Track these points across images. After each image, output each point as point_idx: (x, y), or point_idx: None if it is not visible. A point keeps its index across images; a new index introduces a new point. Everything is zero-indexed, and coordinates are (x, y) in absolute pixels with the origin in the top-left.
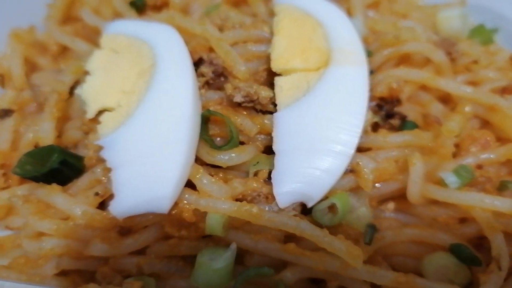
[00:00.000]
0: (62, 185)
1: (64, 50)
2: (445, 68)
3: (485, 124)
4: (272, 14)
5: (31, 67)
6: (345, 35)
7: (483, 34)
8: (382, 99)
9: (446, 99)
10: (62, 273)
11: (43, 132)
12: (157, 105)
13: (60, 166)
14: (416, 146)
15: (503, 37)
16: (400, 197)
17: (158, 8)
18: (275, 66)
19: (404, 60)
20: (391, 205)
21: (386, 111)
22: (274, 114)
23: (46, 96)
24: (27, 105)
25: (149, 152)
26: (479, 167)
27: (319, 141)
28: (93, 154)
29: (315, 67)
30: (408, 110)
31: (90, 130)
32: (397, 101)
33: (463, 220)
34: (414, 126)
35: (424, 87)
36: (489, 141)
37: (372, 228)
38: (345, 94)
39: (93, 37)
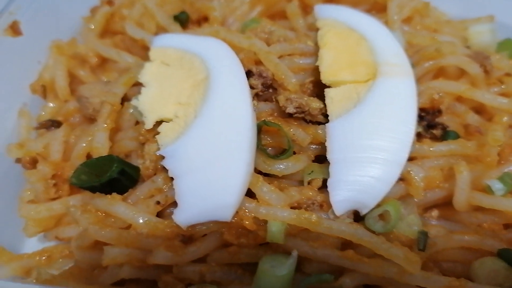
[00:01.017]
0: (120, 193)
1: (102, 63)
2: (480, 80)
3: None
4: (311, 28)
5: (71, 79)
6: (390, 48)
7: (510, 48)
8: (423, 109)
9: (479, 110)
10: (118, 283)
11: (98, 142)
12: (215, 116)
13: (118, 175)
14: (461, 155)
15: None
16: (444, 204)
17: (198, 23)
18: (325, 78)
19: (440, 73)
20: (435, 213)
21: (428, 122)
22: (327, 124)
23: (94, 107)
24: (72, 116)
25: (211, 162)
26: None
27: (372, 150)
28: (150, 163)
29: (364, 79)
30: (448, 120)
31: (147, 140)
32: (438, 111)
33: (508, 226)
34: (456, 135)
35: (459, 98)
36: None
37: (425, 235)
38: (395, 104)
39: (133, 50)
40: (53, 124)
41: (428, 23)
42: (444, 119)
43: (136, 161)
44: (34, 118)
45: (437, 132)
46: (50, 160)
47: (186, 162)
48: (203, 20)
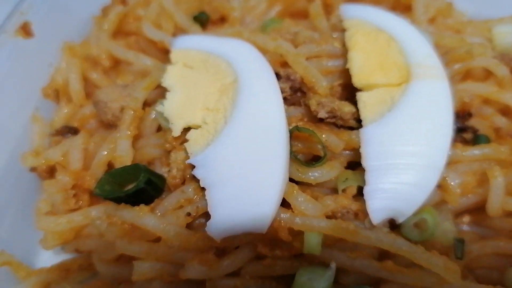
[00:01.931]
0: (146, 204)
1: (115, 65)
2: (507, 82)
3: None
4: (334, 28)
5: (84, 82)
6: (421, 49)
7: None
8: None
9: (505, 112)
10: None
11: (121, 150)
12: (247, 122)
13: (145, 185)
14: (494, 159)
15: None
16: (475, 209)
17: (216, 23)
18: (356, 82)
19: (467, 75)
20: (466, 218)
21: (458, 125)
22: (361, 129)
23: (113, 113)
24: (88, 122)
25: (245, 171)
26: None
27: (409, 156)
28: (177, 172)
29: (397, 82)
30: (476, 123)
31: (173, 148)
32: (468, 114)
33: None
34: (487, 139)
35: (486, 101)
36: None
37: (462, 242)
38: (431, 108)
39: (148, 52)
40: (70, 130)
41: (451, 23)
42: (473, 122)
43: (160, 169)
44: (47, 123)
45: (467, 136)
46: (70, 169)
47: (218, 172)
48: (219, 20)
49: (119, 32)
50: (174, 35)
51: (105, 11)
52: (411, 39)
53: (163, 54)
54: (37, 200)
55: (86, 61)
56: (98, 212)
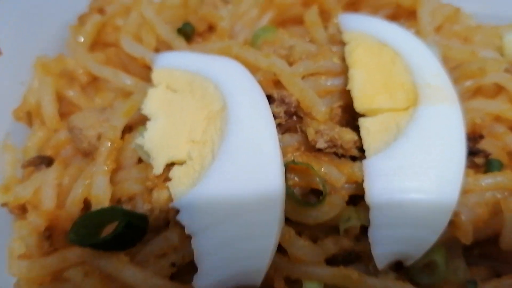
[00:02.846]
0: (124, 250)
1: (94, 80)
2: None
3: None
4: (332, 39)
5: (59, 101)
6: (429, 67)
7: None
8: None
9: None
10: None
11: (97, 189)
12: (237, 157)
13: (124, 230)
14: (508, 189)
15: None
16: (486, 241)
17: (203, 34)
18: (359, 106)
19: (478, 90)
20: (477, 251)
21: (468, 148)
22: (364, 161)
23: (90, 141)
24: (63, 148)
25: (235, 215)
26: None
27: (418, 192)
28: (160, 214)
29: (403, 106)
30: (489, 145)
31: (155, 186)
32: (479, 137)
33: None
34: (500, 165)
35: (497, 118)
36: None
37: (475, 285)
38: (442, 137)
39: (129, 66)
40: (43, 160)
41: (459, 30)
42: (485, 143)
43: (142, 207)
44: (19, 150)
45: (479, 160)
46: (42, 209)
47: (206, 216)
48: (207, 29)
49: (98, 43)
50: (157, 49)
51: (81, 19)
52: (418, 55)
53: (146, 69)
54: (10, 239)
55: (62, 77)
56: (76, 256)
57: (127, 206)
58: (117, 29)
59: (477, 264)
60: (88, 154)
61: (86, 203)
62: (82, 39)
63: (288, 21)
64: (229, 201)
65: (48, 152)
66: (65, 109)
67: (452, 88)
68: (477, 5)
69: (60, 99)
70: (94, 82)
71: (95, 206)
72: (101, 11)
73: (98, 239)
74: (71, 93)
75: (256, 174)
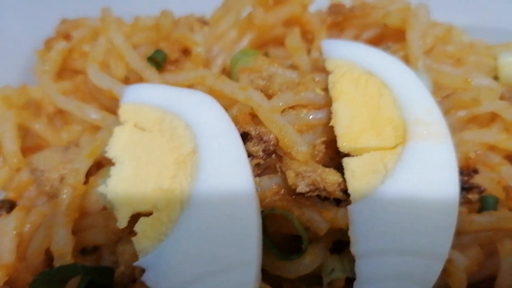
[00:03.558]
0: None
1: (62, 110)
2: None
3: None
4: (316, 64)
5: (23, 134)
6: (419, 100)
7: None
8: None
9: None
10: None
11: (57, 242)
12: (208, 210)
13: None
14: (504, 229)
15: None
16: (481, 283)
17: (177, 60)
18: (343, 145)
19: (472, 118)
20: None
21: (462, 184)
22: (349, 207)
23: (52, 184)
24: (26, 190)
25: (207, 275)
26: None
27: (409, 240)
28: (126, 269)
29: (391, 145)
30: (483, 178)
31: (120, 239)
32: (473, 171)
33: None
34: (496, 201)
35: (492, 147)
36: None
37: None
38: (433, 178)
39: (98, 96)
40: (3, 204)
41: (451, 51)
42: (477, 177)
43: (108, 258)
44: None
45: (473, 196)
46: (1, 263)
47: (173, 276)
48: (183, 53)
49: (67, 69)
50: (127, 78)
51: (48, 44)
52: (407, 87)
53: (116, 101)
54: None
55: (27, 108)
56: None
57: (92, 256)
58: (84, 55)
59: None
60: (52, 197)
61: (49, 254)
62: (47, 67)
63: (270, 42)
64: (199, 259)
65: (10, 196)
66: (30, 142)
67: (443, 123)
68: (468, 18)
69: (26, 131)
70: (61, 113)
71: (56, 259)
72: (67, 36)
73: None
74: (37, 126)
75: (230, 227)
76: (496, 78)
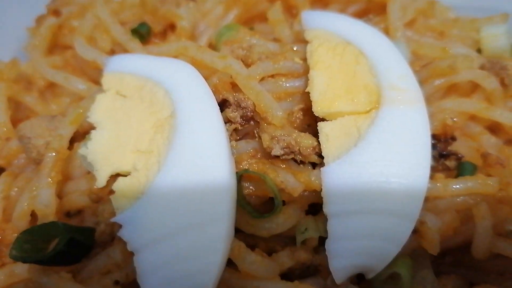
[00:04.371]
0: (71, 265)
1: (51, 85)
2: (497, 96)
3: None
4: (298, 37)
5: (14, 106)
6: (395, 67)
7: None
8: (434, 136)
9: (495, 129)
10: None
11: (41, 203)
12: (183, 169)
13: (67, 247)
14: (481, 194)
15: None
16: (458, 248)
17: (162, 34)
18: (318, 110)
19: (451, 88)
20: (449, 259)
21: (439, 151)
22: (322, 169)
23: (39, 150)
24: (15, 158)
25: (180, 229)
26: None
27: (379, 201)
28: (105, 228)
29: (365, 109)
30: (462, 146)
31: (100, 199)
32: (451, 138)
33: None
34: (474, 168)
35: (473, 117)
36: None
37: None
38: (404, 141)
39: (87, 70)
40: None
41: (434, 24)
42: (458, 144)
43: (90, 220)
44: None
45: (450, 163)
46: None
47: (148, 232)
48: (169, 28)
49: (58, 45)
50: (113, 51)
51: (39, 21)
52: (384, 55)
53: (101, 72)
54: None
55: (18, 82)
56: (23, 271)
57: (76, 219)
58: (74, 31)
59: (449, 273)
60: (39, 163)
61: (35, 216)
62: (37, 42)
63: (256, 18)
64: (173, 216)
65: (0, 161)
66: (22, 115)
67: (418, 91)
68: None
69: (17, 104)
70: (52, 87)
71: (41, 220)
72: (56, 13)
73: (40, 256)
74: (28, 99)
75: (203, 186)
76: (479, 51)
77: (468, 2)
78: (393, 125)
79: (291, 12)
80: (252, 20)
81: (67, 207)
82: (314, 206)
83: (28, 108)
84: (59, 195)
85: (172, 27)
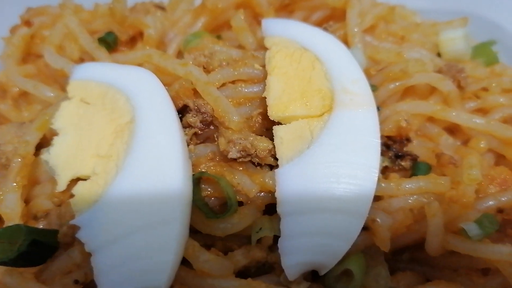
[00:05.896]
0: (37, 265)
1: (25, 92)
2: (454, 98)
3: (501, 158)
4: (261, 44)
5: None
6: (348, 72)
7: (487, 54)
8: (390, 138)
9: (453, 130)
10: None
11: (6, 205)
12: (139, 173)
13: (30, 248)
14: (433, 192)
15: (500, 50)
16: (414, 246)
17: (131, 42)
18: (273, 114)
19: (409, 90)
20: (406, 255)
21: (395, 152)
22: (276, 170)
23: (7, 156)
24: None
25: (135, 230)
26: (500, 211)
27: (329, 200)
28: (68, 230)
29: (318, 113)
30: (418, 147)
31: (62, 202)
32: (406, 140)
33: (486, 271)
34: (428, 168)
35: (431, 118)
36: (507, 180)
37: None
38: (354, 143)
39: (57, 78)
40: None
41: (395, 29)
42: (414, 143)
43: (55, 222)
44: None
45: (405, 163)
46: None
47: (104, 233)
48: (139, 36)
49: (31, 55)
50: (82, 60)
51: (13, 31)
52: (338, 60)
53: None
54: None
55: None
56: None
57: (43, 222)
58: (45, 40)
59: (405, 269)
60: (8, 169)
61: (2, 219)
62: (9, 52)
63: (223, 26)
64: (128, 218)
65: None
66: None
67: (370, 95)
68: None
69: None
70: (25, 95)
71: (7, 223)
72: (28, 23)
73: (5, 257)
74: (2, 106)
75: (158, 189)
76: (439, 54)
77: (432, 5)
78: (345, 127)
79: (257, 20)
80: (221, 27)
81: (34, 210)
82: (272, 207)
83: (2, 115)
84: (27, 199)
85: (141, 35)
